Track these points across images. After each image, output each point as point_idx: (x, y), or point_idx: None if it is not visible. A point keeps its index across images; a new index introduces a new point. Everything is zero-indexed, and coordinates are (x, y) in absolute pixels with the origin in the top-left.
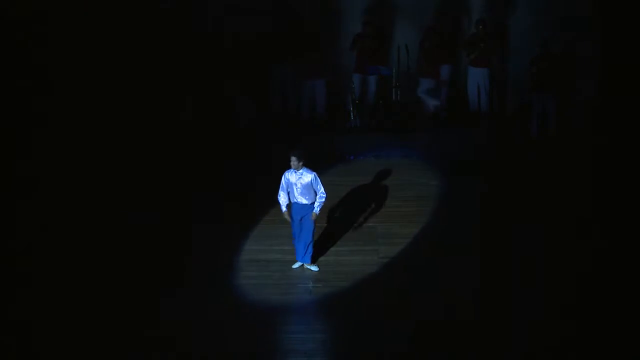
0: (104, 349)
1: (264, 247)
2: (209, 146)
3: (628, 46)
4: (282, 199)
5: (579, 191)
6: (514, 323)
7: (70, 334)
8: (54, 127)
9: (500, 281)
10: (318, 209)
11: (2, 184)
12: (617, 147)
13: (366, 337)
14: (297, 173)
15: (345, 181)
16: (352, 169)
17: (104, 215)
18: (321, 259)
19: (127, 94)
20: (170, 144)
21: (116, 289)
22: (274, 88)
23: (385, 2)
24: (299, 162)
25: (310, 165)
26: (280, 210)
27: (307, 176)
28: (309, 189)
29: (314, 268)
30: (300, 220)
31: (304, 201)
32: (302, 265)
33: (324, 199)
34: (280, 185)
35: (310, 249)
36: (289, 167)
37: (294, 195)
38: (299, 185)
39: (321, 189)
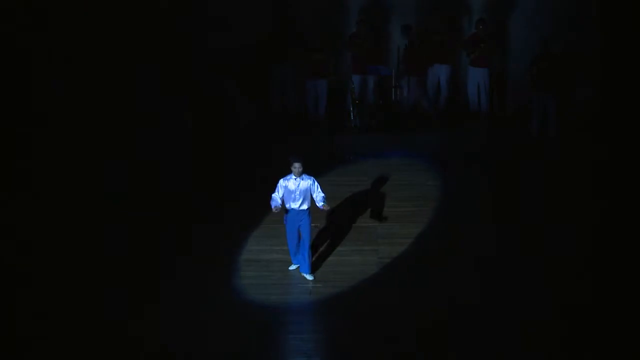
0: (104, 348)
1: (264, 247)
2: (209, 146)
3: (628, 46)
4: (276, 200)
5: (578, 191)
6: (514, 323)
7: (68, 333)
8: (54, 127)
9: (500, 281)
10: (325, 202)
11: (2, 184)
12: (617, 147)
13: (366, 337)
14: (297, 180)
15: (345, 181)
16: (352, 169)
17: (103, 215)
18: (321, 259)
19: (127, 94)
20: (170, 143)
21: (116, 289)
22: (274, 88)
23: (383, 1)
24: (302, 169)
25: (309, 165)
26: (271, 206)
27: (306, 181)
28: (307, 194)
29: (310, 277)
30: (298, 228)
31: (303, 207)
32: (299, 266)
33: (324, 194)
34: (274, 193)
35: (308, 259)
36: (288, 167)
37: (292, 202)
38: (298, 192)
39: (321, 193)
